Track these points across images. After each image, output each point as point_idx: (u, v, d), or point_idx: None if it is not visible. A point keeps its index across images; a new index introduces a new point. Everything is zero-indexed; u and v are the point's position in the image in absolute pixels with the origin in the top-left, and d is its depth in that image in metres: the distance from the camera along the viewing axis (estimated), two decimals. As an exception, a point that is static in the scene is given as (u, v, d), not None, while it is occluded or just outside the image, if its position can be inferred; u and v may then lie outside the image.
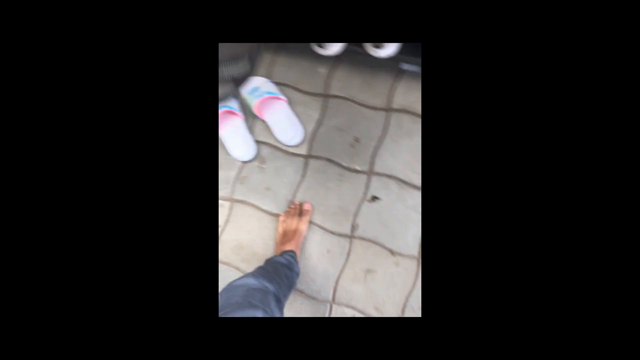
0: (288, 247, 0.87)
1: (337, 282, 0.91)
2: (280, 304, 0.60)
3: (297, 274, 0.81)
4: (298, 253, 0.89)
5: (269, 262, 0.78)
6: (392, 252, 0.89)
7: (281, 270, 0.74)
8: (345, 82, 0.97)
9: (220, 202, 0.99)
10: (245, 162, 0.99)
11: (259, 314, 0.52)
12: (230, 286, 0.58)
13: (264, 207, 0.97)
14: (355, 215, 0.92)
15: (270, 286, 0.60)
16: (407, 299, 0.87)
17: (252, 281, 0.59)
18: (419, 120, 0.92)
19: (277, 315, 0.56)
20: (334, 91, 0.97)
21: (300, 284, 0.92)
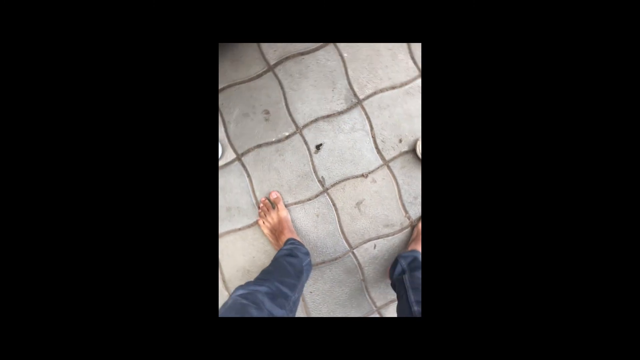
0: (283, 238, 0.87)
1: (343, 232, 0.94)
2: (279, 300, 0.58)
3: (307, 254, 0.83)
4: (296, 237, 0.90)
5: (272, 261, 0.78)
6: (364, 175, 0.93)
7: (283, 262, 0.74)
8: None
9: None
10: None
11: (253, 312, 0.49)
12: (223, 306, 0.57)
13: (239, 226, 0.95)
14: (315, 171, 0.93)
15: (260, 288, 0.58)
16: (401, 199, 0.93)
17: (240, 292, 0.57)
18: (302, 58, 0.93)
19: (279, 310, 0.55)
20: (214, 88, 0.93)
21: (318, 256, 0.94)
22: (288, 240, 0.85)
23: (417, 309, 0.61)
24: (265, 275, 0.66)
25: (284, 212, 0.91)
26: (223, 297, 0.94)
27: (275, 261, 0.75)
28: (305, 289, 0.95)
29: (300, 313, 0.95)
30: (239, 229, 0.95)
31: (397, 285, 0.75)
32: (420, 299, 0.63)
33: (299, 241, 0.86)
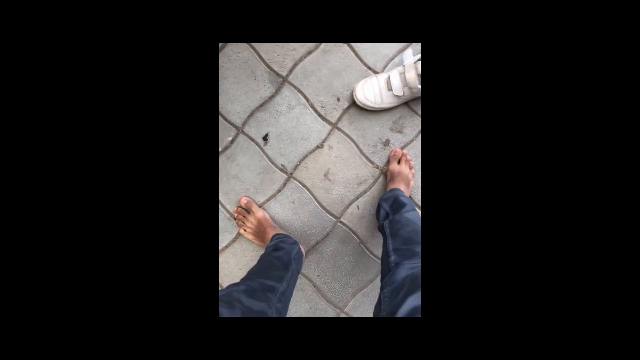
0: (268, 237, 0.86)
1: (323, 207, 0.94)
2: (260, 294, 0.56)
3: (294, 243, 0.82)
4: (280, 231, 0.89)
5: (258, 260, 0.76)
6: (320, 146, 0.92)
7: (268, 258, 0.74)
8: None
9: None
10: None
11: (223, 311, 0.47)
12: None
13: (225, 244, 0.93)
14: (273, 162, 0.92)
15: (237, 287, 0.56)
16: (362, 153, 0.93)
17: (220, 295, 0.55)
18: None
19: (258, 304, 0.53)
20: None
21: (310, 238, 0.94)
22: (273, 236, 0.84)
23: (393, 258, 0.60)
24: (248, 275, 0.65)
25: (259, 213, 0.90)
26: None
27: (260, 259, 0.74)
28: (312, 273, 0.95)
29: (315, 297, 0.95)
30: (226, 247, 0.93)
31: (381, 231, 0.75)
32: (399, 246, 0.63)
33: (283, 234, 0.85)
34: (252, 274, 0.66)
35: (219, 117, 0.90)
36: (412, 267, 0.55)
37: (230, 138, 0.91)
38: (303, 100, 0.91)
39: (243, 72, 0.90)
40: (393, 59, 0.91)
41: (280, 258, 0.74)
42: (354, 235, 0.95)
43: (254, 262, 0.93)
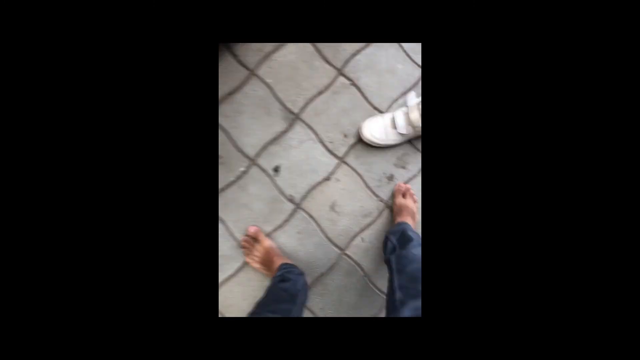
0: (275, 266, 0.87)
1: (329, 238, 0.96)
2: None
3: (300, 274, 0.83)
4: (287, 260, 0.90)
5: (266, 290, 0.77)
6: (327, 178, 0.97)
7: (275, 289, 0.74)
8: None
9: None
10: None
11: None
12: None
13: (230, 273, 0.94)
14: (282, 192, 0.96)
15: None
16: (368, 186, 0.97)
17: None
18: (232, 97, 0.98)
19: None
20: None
21: (315, 270, 0.95)
22: (280, 266, 0.85)
23: (399, 295, 0.60)
24: (256, 308, 0.66)
25: (267, 242, 0.92)
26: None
27: (268, 290, 0.75)
28: (315, 306, 0.94)
29: (319, 332, 0.94)
30: (232, 276, 0.94)
31: (387, 265, 0.76)
32: (405, 284, 0.63)
33: (291, 264, 0.87)
34: (258, 307, 0.67)
35: (234, 148, 0.96)
36: (416, 308, 0.56)
37: (243, 168, 0.96)
38: (313, 135, 0.97)
39: (259, 108, 0.97)
40: (397, 100, 0.99)
41: (287, 290, 0.74)
42: (358, 268, 0.96)
43: (259, 292, 0.93)
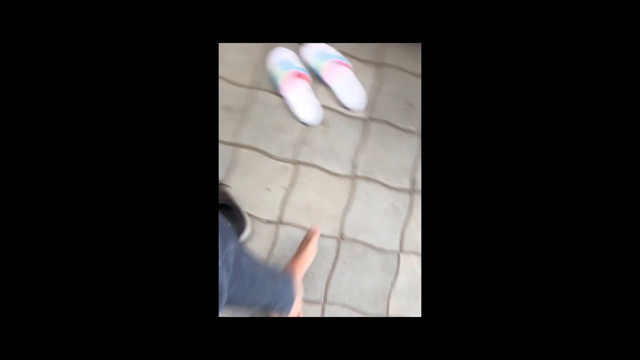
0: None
1: (402, 233, 1.00)
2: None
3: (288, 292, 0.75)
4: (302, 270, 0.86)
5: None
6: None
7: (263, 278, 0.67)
8: (397, 52, 1.07)
9: (283, 164, 0.99)
10: (310, 126, 1.00)
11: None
12: None
13: (329, 169, 1.00)
14: (413, 171, 1.02)
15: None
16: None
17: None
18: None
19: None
20: (387, 60, 1.07)
21: (370, 236, 0.98)
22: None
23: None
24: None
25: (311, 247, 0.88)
26: None
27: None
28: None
29: None
30: (327, 171, 1.00)
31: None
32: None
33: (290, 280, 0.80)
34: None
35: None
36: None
37: (414, 130, 1.04)
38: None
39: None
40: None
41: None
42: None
43: (324, 202, 0.98)
